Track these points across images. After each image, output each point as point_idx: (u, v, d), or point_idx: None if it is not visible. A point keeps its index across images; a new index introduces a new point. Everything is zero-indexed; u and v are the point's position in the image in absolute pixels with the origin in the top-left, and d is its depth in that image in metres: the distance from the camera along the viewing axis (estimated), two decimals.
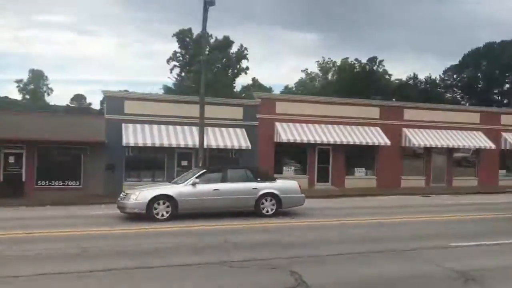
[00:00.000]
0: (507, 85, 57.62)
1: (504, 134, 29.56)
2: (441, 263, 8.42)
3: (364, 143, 25.53)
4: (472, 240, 10.67)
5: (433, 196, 23.20)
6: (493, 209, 16.98)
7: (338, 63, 61.95)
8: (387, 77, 60.35)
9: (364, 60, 58.90)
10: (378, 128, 26.84)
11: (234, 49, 58.99)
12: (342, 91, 48.08)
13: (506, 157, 30.41)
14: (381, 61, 60.04)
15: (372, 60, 59.42)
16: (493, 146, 28.25)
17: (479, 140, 28.30)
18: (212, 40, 56.50)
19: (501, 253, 9.54)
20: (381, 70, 60.07)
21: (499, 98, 57.92)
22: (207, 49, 53.05)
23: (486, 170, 29.45)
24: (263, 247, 9.82)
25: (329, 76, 64.65)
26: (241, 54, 58.53)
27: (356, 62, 58.76)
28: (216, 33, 63.71)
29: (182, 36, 57.34)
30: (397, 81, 60.35)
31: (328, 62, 64.81)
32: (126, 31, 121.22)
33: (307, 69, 68.42)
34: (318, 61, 66.54)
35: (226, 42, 58.05)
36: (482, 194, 24.24)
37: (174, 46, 58.09)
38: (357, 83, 51.69)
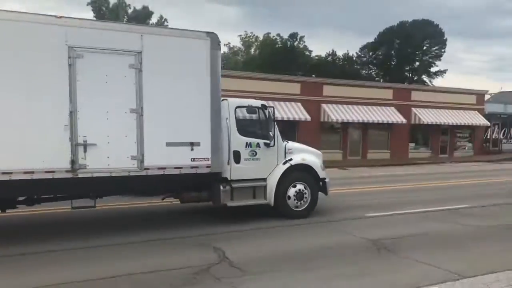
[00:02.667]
0: (417, 63, 61.41)
1: (413, 109, 31.48)
2: (356, 233, 8.84)
3: (285, 119, 25.92)
4: (386, 210, 11.27)
5: (350, 169, 24.18)
6: (403, 180, 18.16)
7: (261, 38, 62.19)
8: (307, 53, 61.64)
9: (285, 36, 59.70)
10: (299, 104, 27.42)
11: (153, 19, 57.13)
12: (265, 67, 48.41)
13: (415, 131, 32.64)
14: (301, 37, 61.02)
15: (293, 36, 60.24)
16: (404, 121, 30.00)
17: (392, 115, 29.93)
18: (130, 10, 54.19)
19: (411, 222, 10.16)
20: (301, 46, 61.14)
21: (410, 75, 61.62)
22: (125, 19, 51.14)
23: (397, 143, 31.34)
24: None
25: (252, 51, 64.70)
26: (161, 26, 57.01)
27: (278, 38, 59.27)
28: (135, 3, 61.20)
29: (98, 5, 54.42)
30: (316, 58, 61.86)
31: (251, 37, 64.76)
32: None
33: (229, 43, 68.03)
34: (241, 35, 66.27)
35: (145, 13, 56.00)
36: (394, 166, 25.84)
37: (89, 15, 55.06)
38: (278, 58, 52.31)
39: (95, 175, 8.31)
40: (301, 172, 10.58)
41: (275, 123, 10.34)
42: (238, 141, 9.92)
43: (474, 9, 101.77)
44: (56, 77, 8.00)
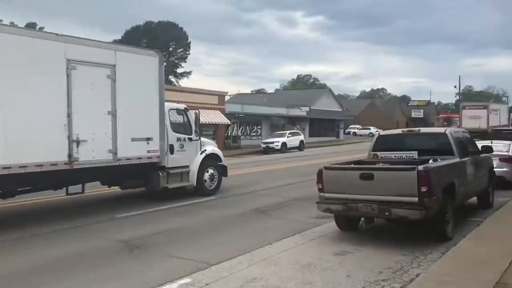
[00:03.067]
0: (164, 64, 61.73)
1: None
2: (108, 236, 8.81)
3: None
4: (136, 209, 11.29)
5: None
6: None
7: None
8: None
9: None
10: None
11: None
12: None
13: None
14: (41, 28, 56.92)
15: (32, 26, 56.43)
16: None
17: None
18: None
19: (161, 218, 10.46)
20: None
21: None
22: None
23: None
24: None
25: None
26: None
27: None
28: None
29: None
30: None
31: None
32: None
33: None
34: None
35: None
36: None
37: None
38: None
39: (84, 166, 10.13)
40: (211, 159, 13.69)
41: (196, 123, 13.32)
42: (172, 137, 12.58)
43: (216, 16, 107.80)
44: (58, 84, 9.63)
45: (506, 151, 14.77)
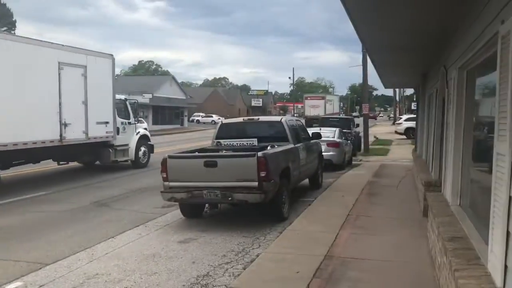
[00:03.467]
0: None
1: None
2: None
3: None
4: None
5: None
6: None
7: None
8: None
9: None
10: None
11: None
12: None
13: None
14: None
15: None
16: None
17: None
18: None
19: None
20: None
21: None
22: None
23: None
24: None
25: None
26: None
27: None
28: None
29: None
30: None
31: None
32: None
33: None
34: None
35: None
36: None
37: None
38: None
39: (69, 143, 13.50)
40: (143, 139, 17.31)
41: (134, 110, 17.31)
42: (118, 121, 15.84)
43: None
44: (52, 81, 12.80)
45: (333, 137, 16.47)
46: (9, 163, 12.50)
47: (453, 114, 5.75)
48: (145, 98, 50.18)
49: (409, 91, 58.85)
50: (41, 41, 12.85)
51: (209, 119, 70.98)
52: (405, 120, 37.04)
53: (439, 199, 6.33)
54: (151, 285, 5.55)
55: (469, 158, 5.49)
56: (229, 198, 7.93)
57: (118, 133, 15.60)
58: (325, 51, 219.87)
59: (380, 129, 49.09)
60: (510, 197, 2.84)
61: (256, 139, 9.82)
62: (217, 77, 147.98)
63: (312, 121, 20.47)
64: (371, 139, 27.12)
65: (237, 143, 9.89)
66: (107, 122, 14.93)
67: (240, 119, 11.46)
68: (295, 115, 74.82)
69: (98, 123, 14.46)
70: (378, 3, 5.30)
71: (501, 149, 3.03)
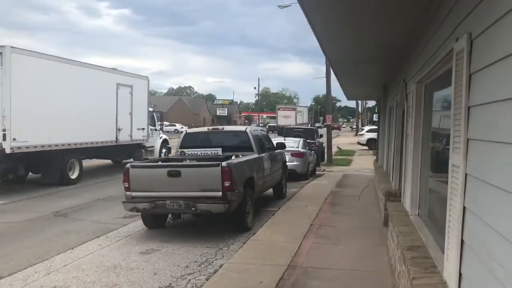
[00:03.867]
0: None
1: None
2: None
3: None
4: None
5: None
6: None
7: None
8: None
9: None
10: None
11: None
12: None
13: None
14: None
15: None
16: None
17: None
18: None
19: None
20: None
21: None
22: None
23: None
24: None
25: None
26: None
27: None
28: None
29: None
30: None
31: None
32: None
33: None
34: None
35: None
36: None
37: None
38: None
39: (120, 143, 17.61)
40: (164, 143, 21.91)
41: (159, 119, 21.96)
42: (148, 128, 19.70)
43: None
44: (113, 97, 17.05)
45: (297, 147, 16.63)
46: (89, 156, 17.09)
47: (412, 126, 5.93)
48: None
49: (371, 103, 60.54)
50: (107, 68, 17.57)
51: (173, 128, 70.29)
52: (367, 131, 37.86)
53: (399, 209, 6.49)
54: None
55: (427, 169, 5.66)
56: (193, 208, 7.87)
57: (148, 138, 19.77)
58: (290, 62, 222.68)
59: (343, 139, 49.95)
60: (464, 207, 2.95)
61: (220, 148, 9.81)
62: (182, 86, 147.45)
63: (284, 129, 23.09)
64: (334, 149, 27.57)
65: (202, 153, 9.85)
66: (143, 128, 19.10)
67: (204, 129, 11.44)
68: (260, 124, 75.34)
69: (138, 129, 18.60)
70: (341, 17, 5.44)
71: (456, 161, 3.15)
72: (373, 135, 31.50)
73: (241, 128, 11.08)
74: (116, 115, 17.13)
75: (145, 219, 8.77)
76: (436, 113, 5.53)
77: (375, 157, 19.64)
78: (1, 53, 11.98)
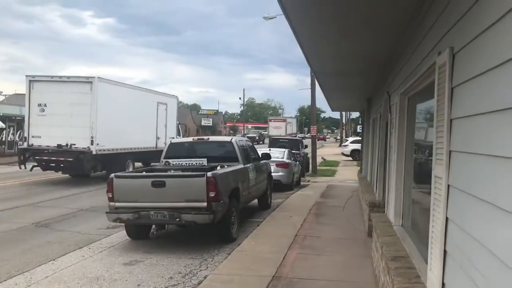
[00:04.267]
0: None
1: None
2: None
3: None
4: None
5: None
6: None
7: None
8: None
9: None
10: None
11: None
12: None
13: None
14: None
15: None
16: None
17: None
18: None
19: None
20: None
21: None
22: None
23: None
24: None
25: None
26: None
27: None
28: None
29: None
30: None
31: None
32: None
33: None
34: None
35: None
36: None
37: None
38: None
39: (158, 149, 19.08)
40: None
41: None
42: (177, 137, 22.69)
43: None
44: (154, 112, 21.70)
45: (282, 158, 16.68)
46: (136, 159, 19.97)
47: (395, 137, 6.01)
48: None
49: (355, 114, 61.28)
50: (151, 90, 22.66)
51: None
52: (351, 142, 38.14)
53: (383, 220, 6.55)
54: None
55: (410, 180, 5.74)
56: (177, 219, 7.82)
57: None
58: (275, 73, 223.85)
59: (328, 150, 50.20)
60: (447, 218, 3.00)
61: (205, 159, 9.79)
62: None
63: (277, 140, 25.05)
64: (319, 160, 27.70)
65: (186, 163, 9.82)
66: (173, 137, 20.51)
67: (189, 139, 11.43)
68: (246, 135, 75.63)
69: (169, 137, 20.00)
70: (326, 30, 5.52)
71: (439, 173, 3.21)
72: (357, 146, 31.75)
73: (227, 138, 11.10)
74: (156, 127, 21.83)
75: (128, 230, 8.68)
76: (419, 125, 5.62)
77: (359, 168, 19.79)
78: (91, 82, 16.90)
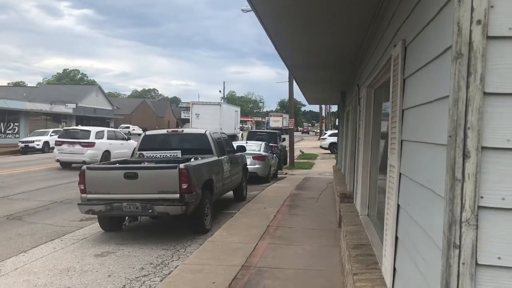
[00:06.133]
0: None
1: None
2: None
3: None
4: None
5: None
6: None
7: None
8: None
9: None
10: None
11: None
12: None
13: None
14: None
15: None
16: None
17: None
18: None
19: None
20: None
21: None
22: None
23: None
24: None
25: None
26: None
27: None
28: None
29: None
30: None
31: None
32: None
33: None
34: None
35: None
36: None
37: None
38: None
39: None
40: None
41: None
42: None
43: None
44: (233, 117, 41.24)
45: (258, 150, 16.77)
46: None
47: (363, 130, 6.14)
48: (68, 108, 48.20)
49: (335, 107, 61.89)
50: (232, 105, 46.04)
51: (126, 130, 69.35)
52: (329, 136, 38.44)
53: (351, 210, 6.69)
54: None
55: (376, 171, 5.87)
56: (150, 211, 7.85)
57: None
58: (255, 66, 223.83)
59: (306, 143, 50.51)
60: (398, 205, 3.12)
61: (180, 151, 9.81)
62: (146, 88, 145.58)
63: (254, 133, 26.37)
64: (297, 153, 27.88)
65: (160, 155, 9.83)
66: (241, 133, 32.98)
67: (164, 131, 11.40)
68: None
69: (237, 133, 28.68)
70: (294, 23, 5.59)
71: (392, 161, 3.33)
72: (335, 139, 32.03)
73: (201, 130, 11.11)
74: (234, 127, 37.00)
75: (101, 222, 8.67)
76: (384, 117, 5.76)
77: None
78: (220, 104, 38.22)
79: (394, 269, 3.14)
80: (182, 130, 11.18)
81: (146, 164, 8.99)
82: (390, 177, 3.41)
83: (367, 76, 6.12)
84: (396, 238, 3.13)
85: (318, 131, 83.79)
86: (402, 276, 2.92)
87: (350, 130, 9.54)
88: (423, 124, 2.49)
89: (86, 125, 52.52)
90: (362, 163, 6.16)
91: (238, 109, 44.69)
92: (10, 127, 40.39)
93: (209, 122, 32.88)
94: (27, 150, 31.97)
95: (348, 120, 11.08)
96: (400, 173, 3.12)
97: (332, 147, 34.52)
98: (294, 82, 20.43)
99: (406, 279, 2.79)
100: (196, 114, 36.50)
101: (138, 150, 10.23)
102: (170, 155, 9.81)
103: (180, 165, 7.90)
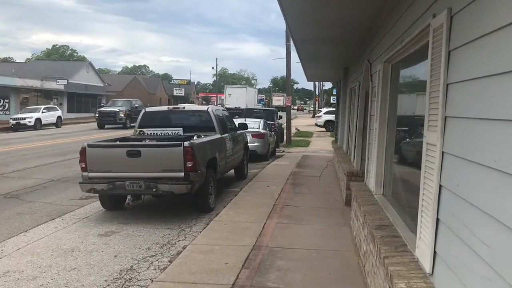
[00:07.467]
0: None
1: None
2: None
3: None
4: None
5: None
6: None
7: None
8: None
9: None
10: None
11: None
12: None
13: None
14: None
15: None
16: None
17: None
18: None
19: None
20: None
21: None
22: None
23: None
24: None
25: None
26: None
27: None
28: None
29: None
30: None
31: None
32: None
33: None
34: None
35: None
36: None
37: None
38: None
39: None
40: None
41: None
42: None
43: None
44: (254, 97, 60.15)
45: (257, 128, 16.54)
46: None
47: (378, 106, 5.93)
48: (59, 84, 47.44)
49: (328, 85, 61.59)
50: (252, 87, 63.80)
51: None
52: (325, 113, 38.27)
53: (363, 189, 6.53)
54: (70, 281, 5.19)
55: (392, 150, 5.70)
56: (154, 189, 7.64)
57: None
58: (247, 43, 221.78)
59: (301, 121, 50.35)
60: (440, 185, 2.93)
61: (181, 128, 9.56)
62: (137, 64, 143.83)
63: (252, 111, 25.67)
64: (293, 131, 27.71)
65: (162, 133, 9.57)
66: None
67: (164, 108, 11.10)
68: (218, 105, 75.62)
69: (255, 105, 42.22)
70: None
71: (431, 140, 3.12)
72: (331, 117, 31.90)
73: (203, 107, 10.82)
74: (254, 104, 48.35)
75: (103, 201, 8.46)
76: (404, 93, 5.54)
77: (333, 138, 19.87)
78: (246, 87, 57.45)
79: (435, 252, 2.97)
80: (184, 107, 10.89)
81: (147, 142, 8.74)
82: (428, 156, 3.21)
83: (384, 50, 5.87)
84: (438, 220, 2.95)
85: (312, 108, 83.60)
86: (448, 261, 2.75)
87: (357, 107, 9.33)
88: (484, 99, 2.27)
89: (78, 102, 51.98)
90: (377, 142, 5.96)
91: (256, 90, 62.64)
92: (0, 104, 39.70)
93: (238, 100, 46.79)
94: (19, 127, 31.47)
95: (353, 96, 10.86)
96: (443, 152, 2.92)
97: (328, 125, 34.39)
98: (292, 59, 20.08)
99: (456, 264, 2.60)
100: (228, 94, 50.29)
101: (138, 127, 9.95)
102: (172, 133, 9.56)
103: (184, 143, 7.67)
